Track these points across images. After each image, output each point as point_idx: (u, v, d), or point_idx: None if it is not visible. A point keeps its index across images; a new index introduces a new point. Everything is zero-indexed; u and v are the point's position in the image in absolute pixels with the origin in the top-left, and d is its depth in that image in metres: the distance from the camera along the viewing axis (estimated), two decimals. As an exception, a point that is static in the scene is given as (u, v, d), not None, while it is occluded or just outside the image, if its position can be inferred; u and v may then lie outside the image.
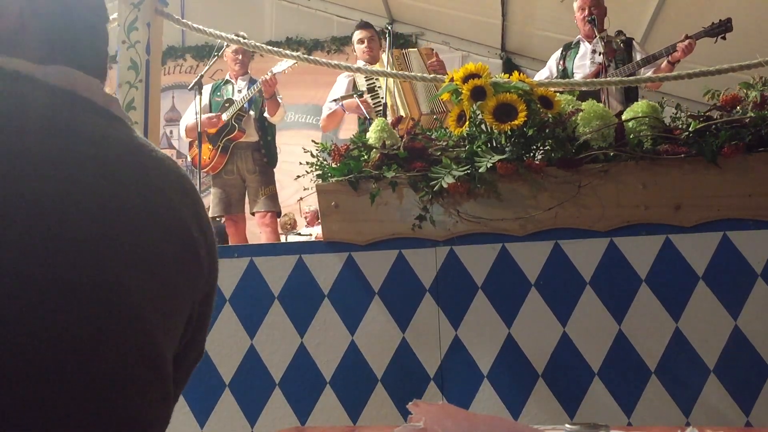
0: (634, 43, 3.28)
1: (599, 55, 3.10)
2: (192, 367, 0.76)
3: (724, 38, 2.91)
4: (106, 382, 0.55)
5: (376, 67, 3.32)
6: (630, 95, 3.18)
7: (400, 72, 3.05)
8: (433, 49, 3.50)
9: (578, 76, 3.21)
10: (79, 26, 0.69)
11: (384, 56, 3.30)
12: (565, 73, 3.30)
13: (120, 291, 0.57)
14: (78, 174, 0.57)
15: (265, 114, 3.66)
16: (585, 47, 3.30)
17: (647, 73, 3.12)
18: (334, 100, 3.51)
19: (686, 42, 2.94)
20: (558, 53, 3.43)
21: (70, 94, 0.63)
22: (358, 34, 3.55)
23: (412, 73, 3.05)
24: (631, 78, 2.87)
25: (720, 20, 2.92)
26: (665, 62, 3.06)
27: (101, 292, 0.55)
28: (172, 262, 0.63)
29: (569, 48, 3.39)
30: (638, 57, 3.15)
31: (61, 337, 0.53)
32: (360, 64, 3.55)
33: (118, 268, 0.57)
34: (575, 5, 3.35)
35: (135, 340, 0.58)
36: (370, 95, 3.33)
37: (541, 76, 3.37)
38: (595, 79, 3.05)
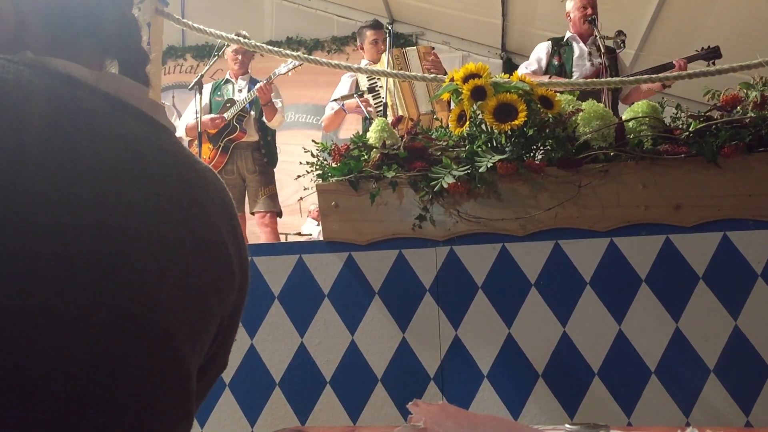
0: (618, 52, 3.31)
1: (600, 55, 3.10)
2: (214, 379, 0.75)
3: (713, 64, 2.96)
4: (131, 399, 0.54)
5: (377, 66, 3.32)
6: (616, 102, 3.23)
7: (400, 72, 3.05)
8: (433, 48, 3.49)
9: (577, 76, 3.21)
10: (105, 21, 0.66)
11: (384, 56, 3.29)
12: (562, 73, 3.29)
13: (151, 305, 0.55)
14: (121, 186, 0.56)
15: (264, 118, 3.66)
16: (580, 47, 3.30)
17: (630, 89, 3.17)
18: (335, 100, 3.50)
19: (682, 64, 2.98)
20: (547, 47, 3.39)
21: (120, 102, 0.61)
22: (371, 35, 3.53)
23: (412, 73, 3.05)
24: (631, 78, 2.87)
25: (709, 47, 3.01)
26: (658, 84, 3.08)
27: (132, 305, 0.54)
28: (206, 278, 0.62)
29: (561, 44, 3.37)
30: (622, 64, 3.21)
31: (89, 351, 0.51)
32: (363, 63, 3.54)
33: (151, 281, 0.56)
34: (572, 4, 3.35)
35: (163, 357, 0.56)
36: (371, 95, 3.33)
37: (530, 67, 3.35)
38: (595, 79, 3.05)
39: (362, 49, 3.62)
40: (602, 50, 3.07)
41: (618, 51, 3.26)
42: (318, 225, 6.12)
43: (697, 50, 3.00)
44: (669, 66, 3.01)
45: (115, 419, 0.52)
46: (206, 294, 0.62)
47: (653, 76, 2.95)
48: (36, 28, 0.62)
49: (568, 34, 3.38)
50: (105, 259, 0.53)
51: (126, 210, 0.55)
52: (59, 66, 0.59)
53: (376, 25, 3.58)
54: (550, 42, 3.41)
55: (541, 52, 3.41)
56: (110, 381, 0.52)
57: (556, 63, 3.33)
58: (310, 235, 5.98)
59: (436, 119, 2.82)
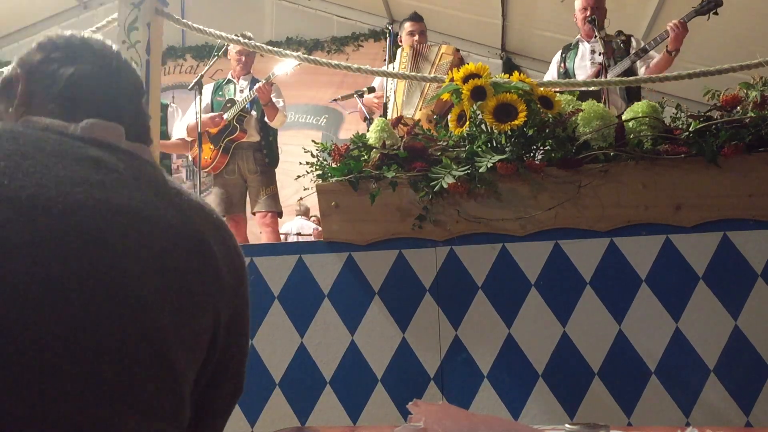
0: (632, 39, 3.26)
1: (599, 55, 3.09)
2: (229, 401, 0.87)
3: (716, 13, 2.84)
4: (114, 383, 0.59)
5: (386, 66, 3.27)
6: (632, 93, 3.16)
7: (400, 72, 3.04)
8: (457, 50, 3.39)
9: (579, 77, 3.20)
10: (93, 82, 0.81)
11: (400, 53, 3.26)
12: (566, 75, 3.29)
13: (135, 302, 0.62)
14: (92, 189, 0.66)
15: (265, 118, 3.66)
16: (584, 47, 3.29)
17: (647, 64, 3.10)
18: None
19: (672, 25, 2.90)
20: (558, 56, 3.42)
21: (93, 139, 0.73)
22: (408, 26, 3.48)
23: (411, 73, 3.04)
24: (630, 78, 2.87)
25: None
26: (664, 53, 3.02)
27: (116, 303, 0.61)
28: (190, 271, 0.70)
29: (569, 49, 3.38)
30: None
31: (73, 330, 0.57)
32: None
33: (135, 268, 0.63)
34: (576, 5, 3.34)
35: (140, 329, 0.62)
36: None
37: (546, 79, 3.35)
38: (595, 79, 3.04)
39: (401, 41, 3.57)
40: (602, 50, 3.06)
41: (631, 38, 3.22)
42: (304, 220, 6.11)
43: (694, 6, 2.92)
44: (664, 35, 2.96)
45: (94, 406, 0.57)
46: (189, 284, 0.70)
47: (653, 76, 2.95)
48: (44, 100, 0.79)
49: (577, 37, 3.38)
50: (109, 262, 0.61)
51: (94, 207, 0.64)
52: (37, 120, 0.74)
53: (413, 17, 3.53)
54: (560, 51, 3.42)
55: (553, 64, 3.43)
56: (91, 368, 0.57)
57: (561, 70, 3.34)
58: (310, 235, 5.99)
59: (436, 119, 2.81)
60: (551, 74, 3.41)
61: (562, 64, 3.35)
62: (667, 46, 2.98)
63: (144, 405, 0.61)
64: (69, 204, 0.62)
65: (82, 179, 0.65)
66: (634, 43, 3.22)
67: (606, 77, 2.99)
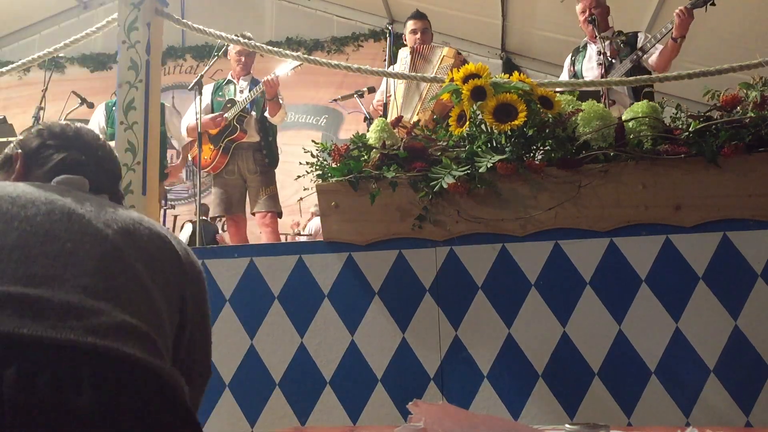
0: (639, 35, 3.24)
1: (602, 55, 3.08)
2: (200, 381, 1.00)
3: (713, 4, 2.82)
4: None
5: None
6: (640, 92, 3.15)
7: (398, 72, 3.04)
8: (459, 52, 3.39)
9: (588, 79, 3.19)
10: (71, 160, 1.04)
11: (401, 53, 3.25)
12: (575, 78, 3.28)
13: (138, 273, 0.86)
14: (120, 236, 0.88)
15: (266, 114, 3.65)
16: (591, 49, 3.29)
17: (653, 54, 3.08)
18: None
19: (679, 11, 2.89)
20: (568, 59, 3.42)
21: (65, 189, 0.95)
22: (410, 24, 3.49)
23: (411, 74, 3.04)
24: (631, 78, 2.86)
25: None
26: (670, 41, 2.99)
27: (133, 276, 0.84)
28: (165, 261, 0.93)
29: (577, 52, 3.38)
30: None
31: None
32: (405, 52, 3.43)
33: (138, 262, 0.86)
34: (577, 9, 3.34)
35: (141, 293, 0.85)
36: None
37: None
38: (595, 80, 3.04)
39: (405, 40, 3.57)
40: (605, 50, 3.05)
41: (637, 34, 3.21)
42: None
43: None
44: (669, 26, 2.95)
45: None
46: (166, 269, 0.92)
47: (653, 76, 2.95)
48: (37, 177, 1.01)
49: (585, 39, 3.38)
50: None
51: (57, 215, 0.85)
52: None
53: (414, 15, 3.53)
54: (570, 54, 3.41)
55: (564, 67, 3.43)
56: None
57: (571, 73, 3.34)
58: (310, 235, 5.99)
59: (436, 119, 2.80)
60: (564, 78, 3.40)
61: (572, 67, 3.36)
62: (672, 33, 2.96)
63: (120, 299, 0.78)
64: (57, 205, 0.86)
65: (64, 201, 0.88)
66: (641, 38, 3.20)
67: (606, 77, 2.99)
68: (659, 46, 3.07)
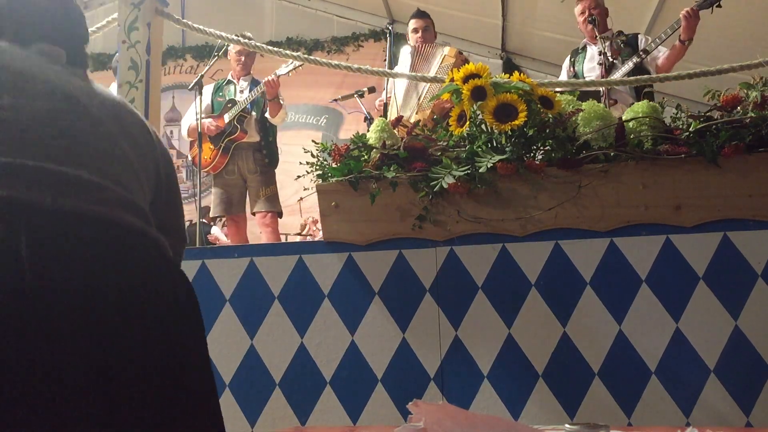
0: (640, 36, 3.24)
1: (603, 55, 3.08)
2: (171, 219, 1.09)
3: (720, 6, 2.82)
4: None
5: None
6: (643, 93, 3.14)
7: (396, 72, 3.04)
8: (460, 52, 3.38)
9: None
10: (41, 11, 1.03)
11: (403, 50, 3.25)
12: (576, 78, 3.27)
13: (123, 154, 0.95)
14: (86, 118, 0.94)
15: (267, 114, 3.65)
16: (592, 50, 3.28)
17: (659, 56, 3.08)
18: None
19: (685, 13, 2.88)
20: (567, 60, 3.41)
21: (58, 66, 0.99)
22: (412, 23, 3.48)
23: (411, 73, 3.04)
24: (631, 78, 2.86)
25: None
26: (676, 44, 2.98)
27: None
28: (145, 144, 1.03)
29: (577, 53, 3.38)
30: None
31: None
32: (407, 50, 3.44)
33: (121, 142, 0.95)
34: (576, 11, 3.34)
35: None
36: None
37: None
38: (595, 80, 3.04)
39: (408, 38, 3.57)
40: (606, 50, 3.05)
41: (638, 36, 3.21)
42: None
43: (697, 0, 2.90)
44: (671, 29, 2.94)
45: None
46: (141, 144, 1.01)
47: (653, 76, 2.95)
48: (9, 31, 0.99)
49: (584, 40, 3.38)
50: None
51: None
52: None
53: (416, 14, 3.52)
54: (569, 55, 3.40)
55: (563, 68, 3.43)
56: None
57: (571, 74, 3.33)
58: (311, 236, 5.98)
59: (436, 119, 2.80)
60: (563, 79, 3.40)
61: (571, 68, 3.35)
62: (679, 35, 2.95)
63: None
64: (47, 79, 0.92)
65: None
66: (642, 40, 3.20)
67: (607, 77, 2.99)
68: (663, 48, 3.07)
